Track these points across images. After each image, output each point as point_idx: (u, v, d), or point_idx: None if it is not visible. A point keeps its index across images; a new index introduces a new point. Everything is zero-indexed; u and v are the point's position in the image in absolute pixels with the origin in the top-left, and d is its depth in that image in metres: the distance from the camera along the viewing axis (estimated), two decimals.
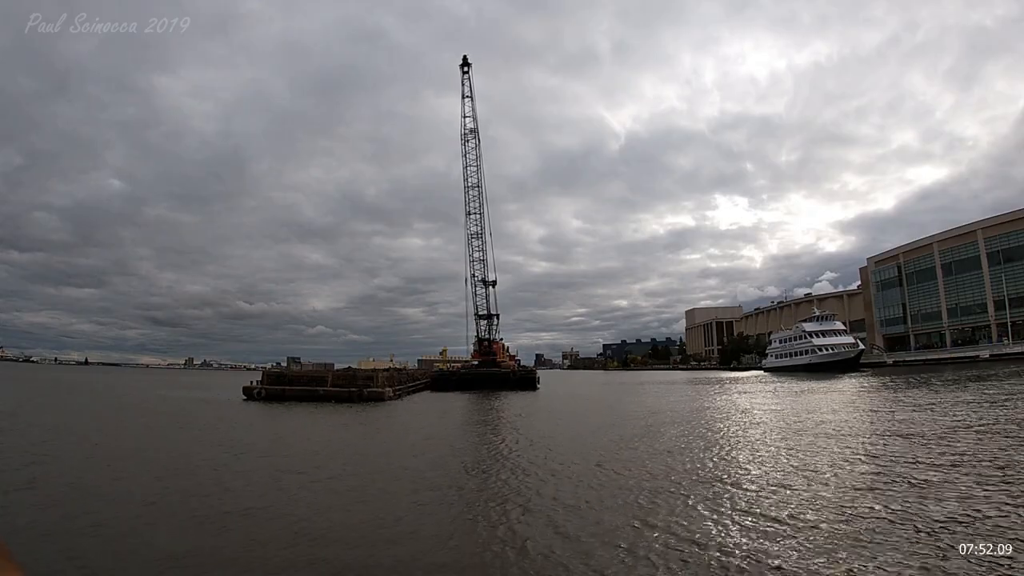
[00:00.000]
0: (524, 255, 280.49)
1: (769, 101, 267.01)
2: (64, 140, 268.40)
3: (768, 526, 7.33)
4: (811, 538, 6.79)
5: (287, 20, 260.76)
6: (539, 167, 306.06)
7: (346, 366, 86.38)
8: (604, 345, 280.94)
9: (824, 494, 8.85)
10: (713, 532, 7.21)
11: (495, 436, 18.73)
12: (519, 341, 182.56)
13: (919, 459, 11.21)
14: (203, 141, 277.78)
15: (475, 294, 62.91)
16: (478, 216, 61.42)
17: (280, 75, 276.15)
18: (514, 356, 78.25)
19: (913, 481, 9.39)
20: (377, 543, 7.22)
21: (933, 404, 21.74)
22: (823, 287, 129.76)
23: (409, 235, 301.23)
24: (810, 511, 7.92)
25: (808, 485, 9.53)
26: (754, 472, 10.85)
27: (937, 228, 79.41)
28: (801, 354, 75.41)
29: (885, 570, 5.75)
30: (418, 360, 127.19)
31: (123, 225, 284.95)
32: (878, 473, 10.23)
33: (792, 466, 11.27)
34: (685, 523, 7.65)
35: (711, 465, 11.76)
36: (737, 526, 7.40)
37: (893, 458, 11.50)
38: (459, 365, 72.85)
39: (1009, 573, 5.53)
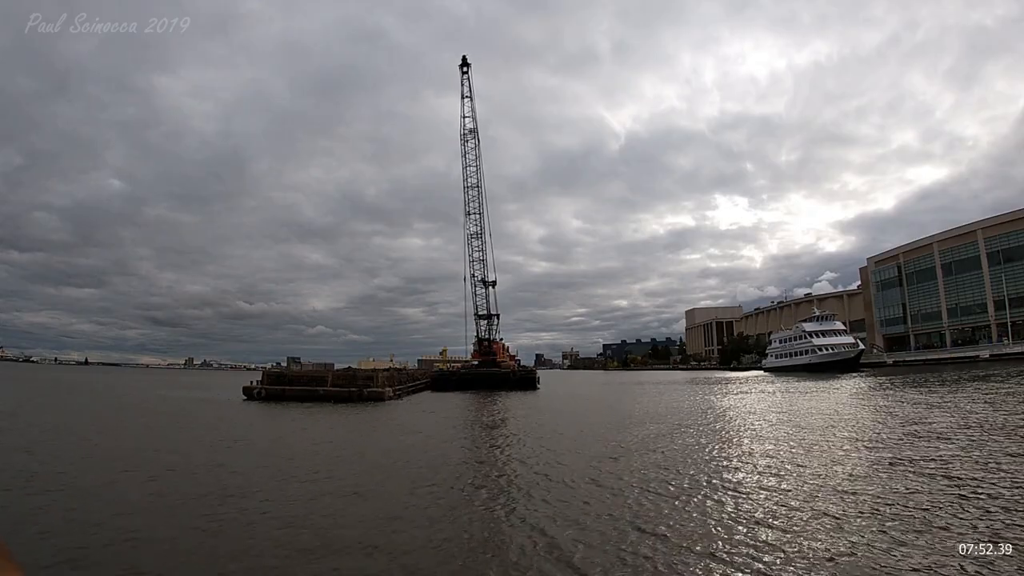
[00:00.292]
0: (524, 255, 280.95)
1: (769, 101, 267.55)
2: (64, 140, 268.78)
3: (765, 526, 7.33)
4: (811, 538, 6.78)
5: (287, 20, 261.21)
6: (539, 167, 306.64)
7: (346, 366, 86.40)
8: (604, 345, 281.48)
9: (824, 494, 8.84)
10: (714, 534, 7.20)
11: (495, 436, 18.73)
12: (519, 341, 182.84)
13: (919, 459, 11.21)
14: (203, 141, 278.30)
15: (475, 294, 63.06)
16: (478, 216, 61.54)
17: (280, 75, 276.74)
18: (514, 356, 78.24)
19: (914, 481, 9.39)
20: (373, 542, 7.21)
21: (932, 404, 21.75)
22: (823, 287, 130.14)
23: (409, 235, 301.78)
24: (810, 511, 7.92)
25: (808, 486, 9.53)
26: (753, 471, 10.85)
27: (937, 228, 79.61)
28: (801, 354, 75.40)
29: (886, 570, 5.75)
30: (418, 360, 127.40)
31: (123, 225, 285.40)
32: (878, 473, 10.22)
33: (790, 466, 11.26)
34: (685, 524, 7.65)
35: (711, 466, 11.75)
36: (739, 526, 7.41)
37: (894, 458, 11.50)
38: (459, 365, 72.87)
39: (1009, 573, 5.53)
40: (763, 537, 6.89)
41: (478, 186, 61.60)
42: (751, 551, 6.42)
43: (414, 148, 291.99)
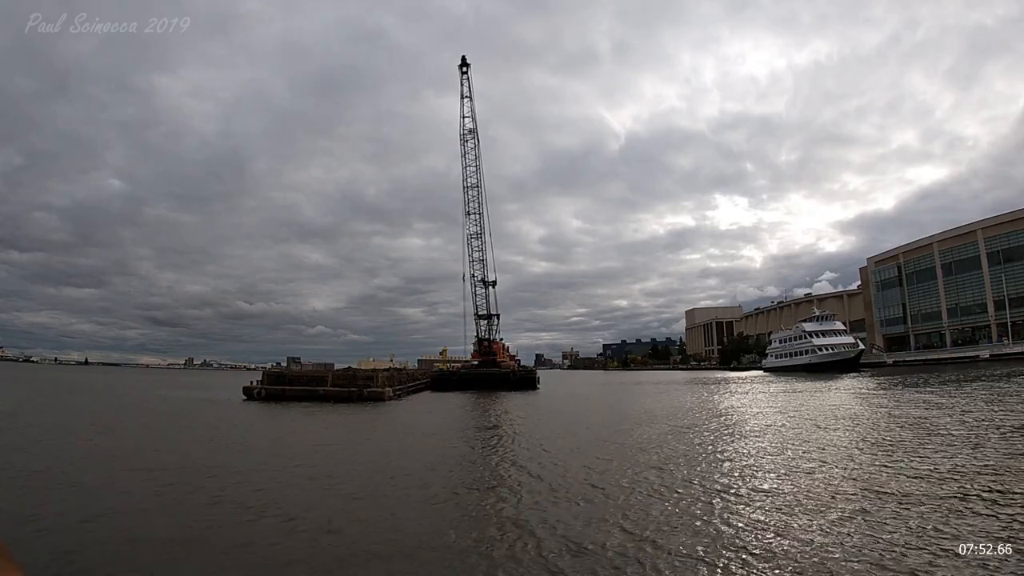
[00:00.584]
0: (524, 255, 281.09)
1: (769, 101, 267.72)
2: (64, 140, 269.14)
3: (763, 526, 7.33)
4: (811, 538, 6.78)
5: (287, 20, 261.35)
6: (539, 167, 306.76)
7: (346, 366, 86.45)
8: (604, 345, 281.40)
9: (824, 494, 8.84)
10: (711, 537, 7.20)
11: (494, 437, 18.72)
12: (519, 341, 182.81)
13: (919, 459, 11.21)
14: (203, 141, 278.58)
15: (475, 294, 63.00)
16: (477, 216, 61.47)
17: (280, 75, 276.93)
18: (514, 356, 78.21)
19: (914, 481, 9.38)
20: (371, 542, 7.21)
21: (932, 404, 21.74)
22: (823, 287, 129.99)
23: (409, 235, 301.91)
24: (809, 512, 7.91)
25: (806, 486, 9.53)
26: (752, 472, 10.85)
27: (937, 228, 79.56)
28: (801, 354, 75.36)
29: (886, 570, 5.75)
30: (418, 360, 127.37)
31: (123, 225, 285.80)
32: (878, 473, 10.22)
33: (789, 467, 11.27)
34: (681, 526, 7.64)
35: (713, 467, 11.75)
36: (737, 526, 7.40)
37: (893, 457, 11.50)
38: (459, 365, 72.85)
39: (1009, 573, 5.53)
40: (762, 537, 6.89)
41: (478, 186, 61.63)
42: (750, 552, 6.42)
43: (414, 148, 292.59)
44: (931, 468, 10.29)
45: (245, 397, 36.11)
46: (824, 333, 74.64)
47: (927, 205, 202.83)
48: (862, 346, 72.96)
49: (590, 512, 8.36)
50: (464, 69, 61.50)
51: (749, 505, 8.39)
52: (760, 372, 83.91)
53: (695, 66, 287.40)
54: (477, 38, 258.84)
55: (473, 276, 62.17)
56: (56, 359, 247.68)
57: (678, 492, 9.38)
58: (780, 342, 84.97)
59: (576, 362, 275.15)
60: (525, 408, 30.61)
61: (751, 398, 32.45)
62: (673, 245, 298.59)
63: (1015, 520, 7.01)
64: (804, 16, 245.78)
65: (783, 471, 10.80)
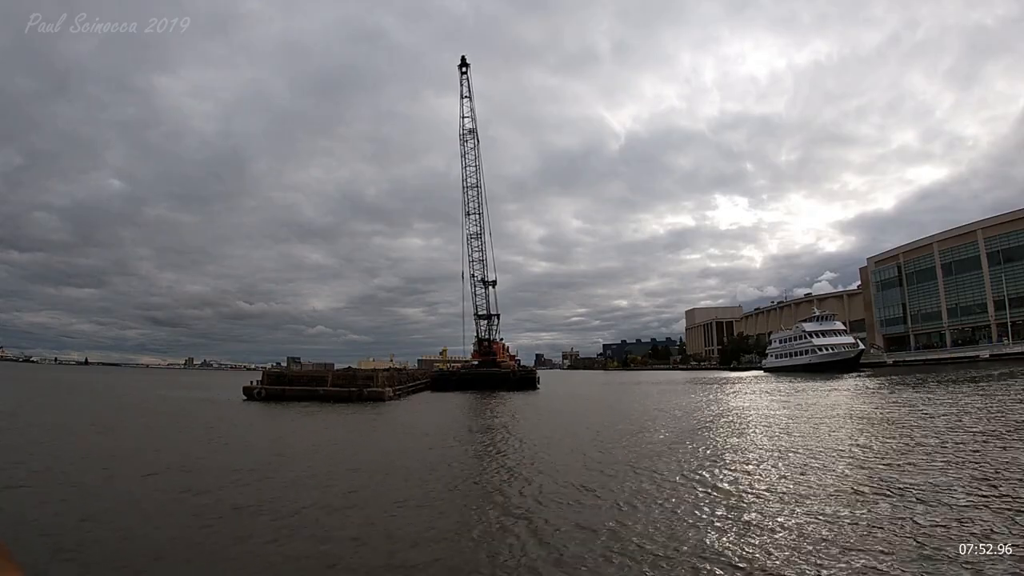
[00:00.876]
0: (524, 255, 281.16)
1: (769, 101, 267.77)
2: (64, 140, 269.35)
3: (766, 529, 7.33)
4: (811, 539, 6.78)
5: (287, 20, 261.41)
6: (539, 167, 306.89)
7: (346, 366, 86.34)
8: (604, 345, 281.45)
9: (824, 495, 8.84)
10: (707, 540, 7.20)
11: (494, 437, 18.72)
12: (519, 341, 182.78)
13: (920, 458, 11.21)
14: (203, 141, 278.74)
15: (475, 294, 62.97)
16: (477, 216, 61.45)
17: (280, 75, 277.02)
18: (514, 356, 78.21)
19: (914, 481, 9.38)
20: (369, 542, 7.21)
21: (931, 404, 21.74)
22: (823, 287, 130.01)
23: (409, 235, 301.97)
24: (810, 513, 7.91)
25: (806, 486, 9.53)
26: (751, 474, 10.84)
27: (937, 228, 79.61)
28: (801, 354, 75.36)
29: (886, 570, 5.74)
30: (418, 360, 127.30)
31: (123, 225, 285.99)
32: (878, 473, 10.21)
33: (790, 469, 11.26)
34: (677, 529, 7.64)
35: (711, 468, 11.75)
36: (734, 527, 7.40)
37: (894, 457, 11.50)
38: (459, 365, 72.82)
39: (1009, 573, 5.52)
40: (761, 538, 6.89)
41: (478, 186, 61.59)
42: (747, 552, 6.42)
43: (414, 148, 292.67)
44: (930, 468, 10.29)
45: (245, 397, 36.10)
46: (824, 333, 74.64)
47: (927, 205, 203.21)
48: (862, 346, 72.97)
49: (588, 512, 8.36)
50: (464, 69, 61.48)
51: (747, 505, 8.39)
52: (760, 372, 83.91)
53: (695, 66, 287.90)
54: (477, 38, 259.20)
55: (473, 276, 62.23)
56: (56, 359, 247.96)
57: (678, 492, 9.37)
58: (780, 342, 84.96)
59: (576, 362, 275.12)
60: (525, 408, 30.61)
61: (751, 398, 32.44)
62: (673, 245, 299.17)
63: (1015, 519, 7.01)
64: (804, 16, 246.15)
65: (782, 471, 10.79)
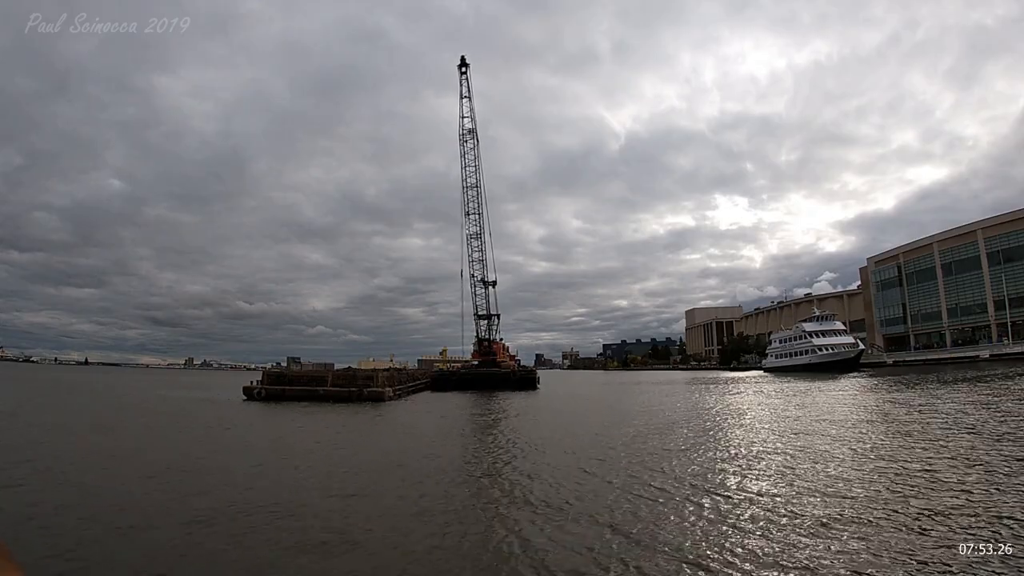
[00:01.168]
0: (524, 255, 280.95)
1: (769, 101, 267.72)
2: (64, 140, 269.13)
3: (762, 529, 7.33)
4: (810, 539, 6.78)
5: (287, 20, 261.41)
6: (539, 167, 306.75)
7: (346, 366, 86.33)
8: (604, 345, 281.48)
9: (825, 495, 8.84)
10: (704, 541, 7.20)
11: (494, 437, 18.72)
12: (519, 341, 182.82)
13: (920, 458, 11.21)
14: (203, 141, 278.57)
15: (475, 294, 63.01)
16: (477, 216, 61.48)
17: (280, 75, 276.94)
18: (514, 356, 78.23)
19: (914, 481, 9.38)
20: (366, 542, 7.21)
21: (930, 403, 21.74)
22: (823, 287, 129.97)
23: (409, 235, 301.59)
24: (810, 513, 7.91)
25: (806, 486, 9.53)
26: (751, 475, 10.84)
27: (937, 228, 79.60)
28: (801, 354, 75.38)
29: (886, 570, 5.74)
30: (418, 360, 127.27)
31: (123, 225, 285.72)
32: (878, 473, 10.22)
33: (788, 469, 11.26)
34: (675, 530, 7.64)
35: (712, 468, 11.75)
36: (732, 529, 7.40)
37: (894, 457, 11.50)
38: (459, 365, 72.84)
39: (1009, 573, 5.52)
40: (760, 539, 6.89)
41: (477, 186, 61.62)
42: (745, 553, 6.42)
43: (414, 148, 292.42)
44: (929, 468, 10.29)
45: (245, 397, 36.10)
46: (824, 333, 74.65)
47: (927, 205, 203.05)
48: (862, 346, 73.00)
49: (585, 513, 8.36)
50: (463, 69, 61.50)
51: (744, 506, 8.39)
52: (760, 372, 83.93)
53: (695, 66, 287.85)
54: (477, 38, 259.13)
55: (473, 276, 62.25)
56: (56, 359, 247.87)
57: (677, 493, 9.37)
58: (780, 342, 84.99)
59: (576, 362, 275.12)
60: (525, 408, 30.61)
61: (750, 398, 32.45)
62: (673, 245, 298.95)
63: (1014, 519, 7.01)
64: (804, 16, 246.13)
65: (781, 472, 10.79)
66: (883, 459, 11.46)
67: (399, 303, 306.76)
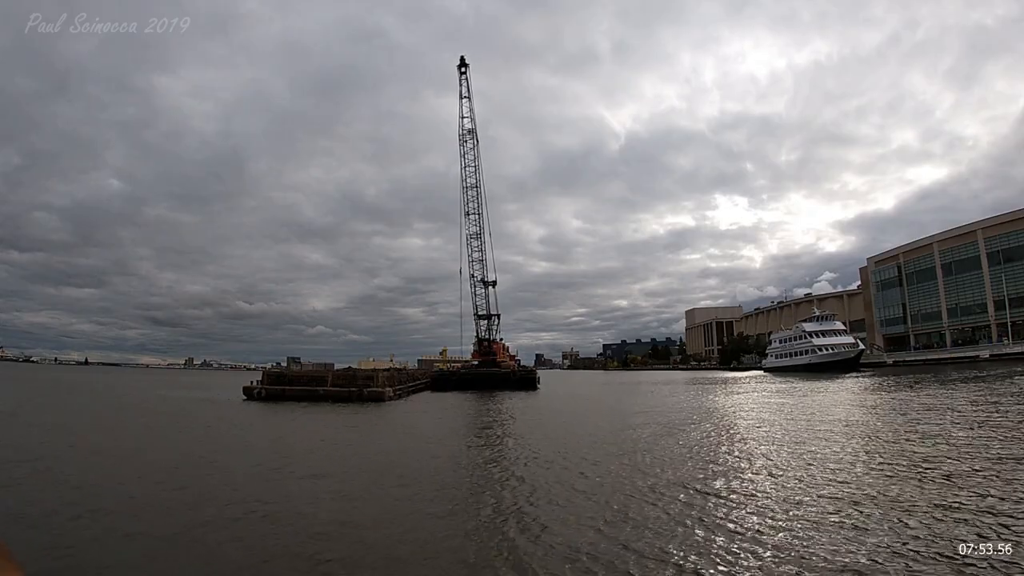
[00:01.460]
0: (524, 255, 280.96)
1: (769, 100, 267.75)
2: (64, 140, 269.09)
3: (761, 530, 7.33)
4: (812, 539, 6.78)
5: (287, 20, 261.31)
6: (539, 167, 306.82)
7: (346, 366, 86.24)
8: (604, 345, 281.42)
9: (822, 495, 8.84)
10: (702, 541, 7.20)
11: (494, 437, 18.72)
12: (519, 341, 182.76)
13: (920, 458, 11.21)
14: (203, 141, 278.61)
15: (475, 294, 63.00)
16: (477, 216, 61.47)
17: (280, 75, 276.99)
18: (514, 356, 78.21)
19: (914, 480, 9.38)
20: (364, 541, 7.21)
21: (931, 403, 21.74)
22: (823, 287, 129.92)
23: (409, 235, 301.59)
24: (810, 513, 7.91)
25: (806, 486, 9.52)
26: (751, 476, 10.84)
27: (937, 228, 79.61)
28: (801, 354, 75.38)
29: (886, 570, 5.74)
30: (418, 360, 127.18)
31: (123, 225, 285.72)
32: (878, 472, 10.22)
33: (788, 470, 11.25)
34: (673, 531, 7.64)
35: (711, 470, 11.75)
36: (731, 528, 7.40)
37: (891, 458, 11.50)
38: (459, 365, 72.79)
39: (1009, 573, 5.52)
40: (759, 540, 6.89)
41: (477, 186, 61.60)
42: (744, 553, 6.42)
43: (414, 148, 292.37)
44: (929, 468, 10.28)
45: (245, 397, 36.10)
46: (824, 333, 74.67)
47: (927, 205, 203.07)
48: (862, 346, 73.03)
49: (583, 514, 8.36)
50: (463, 69, 61.48)
51: (742, 507, 8.38)
52: (760, 372, 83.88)
53: (695, 66, 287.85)
54: (477, 38, 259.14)
55: (473, 276, 62.27)
56: (56, 359, 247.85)
57: (677, 494, 9.37)
58: (780, 342, 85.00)
59: (576, 362, 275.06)
60: (525, 408, 30.61)
61: (750, 398, 32.45)
62: (673, 245, 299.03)
63: (1014, 519, 7.01)
64: (804, 15, 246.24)
65: (781, 472, 10.78)
66: (883, 459, 11.45)
67: (399, 303, 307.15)
